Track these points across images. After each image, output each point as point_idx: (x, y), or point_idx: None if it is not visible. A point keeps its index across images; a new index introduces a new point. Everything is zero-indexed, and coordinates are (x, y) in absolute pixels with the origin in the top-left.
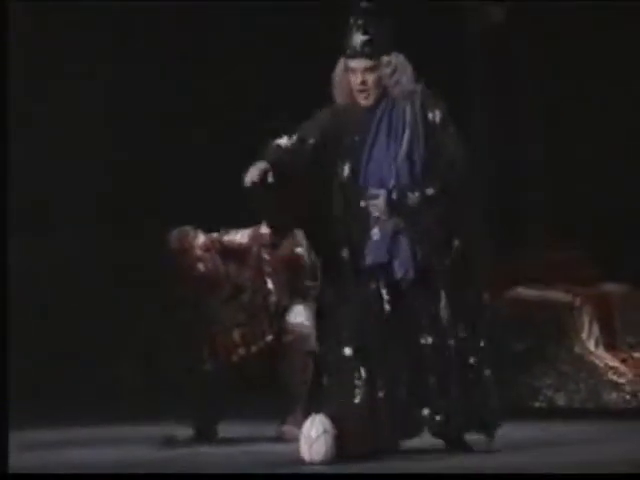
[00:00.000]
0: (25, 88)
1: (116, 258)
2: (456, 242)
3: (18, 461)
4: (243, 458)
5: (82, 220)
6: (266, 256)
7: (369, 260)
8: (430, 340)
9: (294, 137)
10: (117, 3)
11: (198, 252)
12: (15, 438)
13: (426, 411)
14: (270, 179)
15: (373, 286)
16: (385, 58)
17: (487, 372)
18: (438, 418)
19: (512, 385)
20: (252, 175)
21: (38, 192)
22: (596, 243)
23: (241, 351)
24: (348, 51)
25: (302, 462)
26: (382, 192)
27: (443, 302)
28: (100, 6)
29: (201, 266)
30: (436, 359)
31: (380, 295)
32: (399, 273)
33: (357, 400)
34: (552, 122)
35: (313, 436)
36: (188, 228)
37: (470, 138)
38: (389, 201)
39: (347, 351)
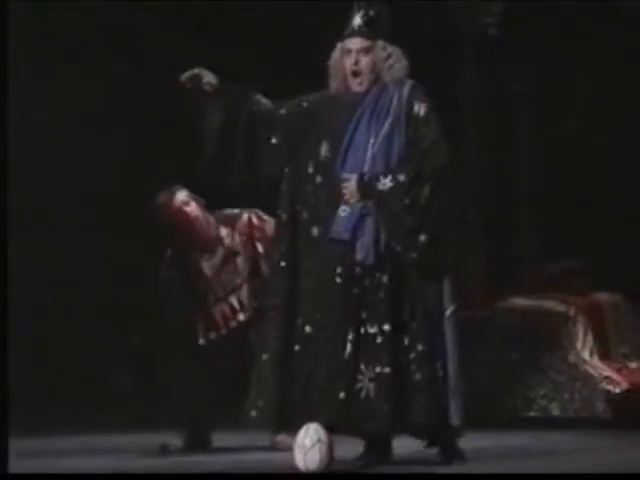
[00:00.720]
0: (25, 88)
1: (116, 259)
2: (422, 237)
3: (15, 468)
4: (237, 466)
5: (82, 220)
6: (255, 221)
7: (333, 234)
8: (374, 330)
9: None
10: (119, 3)
11: (178, 203)
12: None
13: (342, 394)
14: (206, 87)
15: (331, 263)
16: (381, 42)
17: (417, 377)
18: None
19: (506, 394)
20: (188, 75)
21: (38, 192)
22: (589, 254)
23: (240, 317)
24: (346, 32)
25: (296, 470)
26: (354, 176)
27: (397, 296)
28: (101, 6)
29: (196, 220)
30: (377, 349)
31: (335, 274)
32: (359, 255)
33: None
34: (546, 139)
35: (307, 445)
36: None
37: (464, 151)
38: (360, 185)
39: (307, 329)
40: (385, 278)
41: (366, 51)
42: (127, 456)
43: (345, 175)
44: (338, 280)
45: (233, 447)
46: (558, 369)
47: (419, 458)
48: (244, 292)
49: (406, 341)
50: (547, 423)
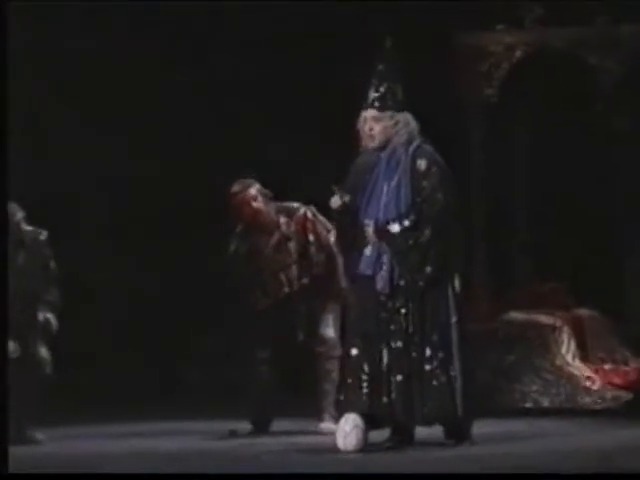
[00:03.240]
0: (25, 88)
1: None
2: (428, 268)
3: (104, 448)
4: (291, 447)
5: (84, 220)
6: (309, 215)
7: (360, 270)
8: (400, 344)
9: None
10: (123, 3)
11: (248, 197)
12: (96, 430)
13: (385, 399)
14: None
15: (364, 294)
16: (389, 112)
17: (442, 379)
18: (398, 409)
19: (506, 390)
20: (333, 202)
21: (38, 192)
22: (573, 277)
23: (286, 289)
24: (364, 104)
25: (338, 451)
26: (371, 222)
27: (411, 316)
28: (101, 6)
29: (260, 212)
30: (401, 362)
31: (367, 303)
32: (379, 285)
33: (365, 391)
34: (538, 173)
35: (347, 430)
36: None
37: (466, 183)
38: (376, 228)
39: (352, 351)
40: (401, 303)
41: (377, 120)
42: (199, 438)
43: (366, 221)
44: (369, 307)
45: (286, 431)
46: (547, 369)
47: (435, 441)
48: (292, 271)
49: (427, 352)
50: (539, 412)
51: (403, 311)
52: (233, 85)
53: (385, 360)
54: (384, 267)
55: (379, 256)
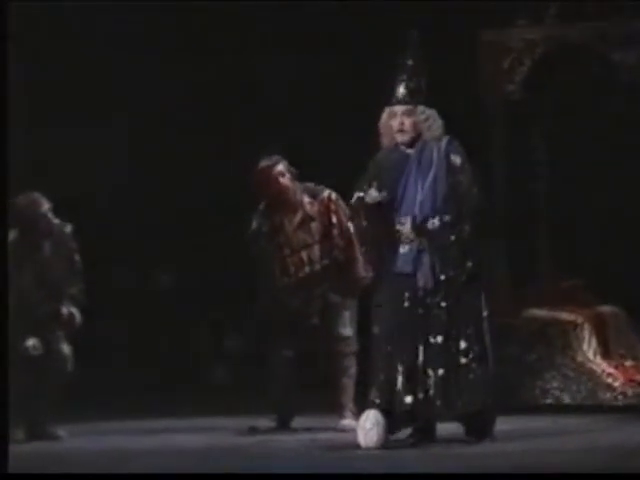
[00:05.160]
0: (25, 88)
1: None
2: (469, 263)
3: (125, 444)
4: (313, 444)
5: (82, 221)
6: (333, 197)
7: (397, 270)
8: (440, 339)
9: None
10: (129, 3)
11: (276, 172)
12: (118, 426)
13: (420, 395)
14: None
15: (399, 291)
16: (421, 107)
17: (478, 372)
18: (438, 403)
19: (527, 387)
20: (373, 196)
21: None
22: (594, 274)
23: (307, 269)
24: (392, 99)
25: (358, 447)
26: (408, 218)
27: (450, 310)
28: (101, 6)
29: (286, 188)
30: (441, 356)
31: (403, 299)
32: (421, 282)
33: (399, 387)
34: (560, 169)
35: (368, 427)
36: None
37: (490, 185)
38: (414, 225)
39: (383, 347)
40: (442, 298)
41: (408, 114)
42: (221, 435)
43: (401, 219)
44: (406, 304)
45: (307, 427)
46: (568, 366)
47: (456, 438)
48: (314, 250)
49: (462, 345)
50: (560, 409)
51: (443, 305)
52: (262, 76)
53: (422, 356)
54: (425, 263)
55: (418, 253)
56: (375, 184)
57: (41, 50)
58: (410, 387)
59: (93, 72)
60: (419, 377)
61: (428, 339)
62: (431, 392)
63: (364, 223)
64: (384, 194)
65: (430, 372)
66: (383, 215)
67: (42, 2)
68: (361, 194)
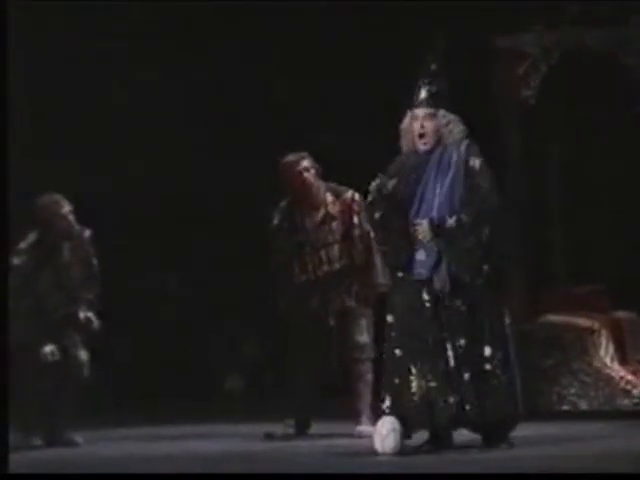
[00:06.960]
0: (25, 88)
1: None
2: (486, 267)
3: (150, 451)
4: (331, 450)
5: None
6: (357, 197)
7: (415, 275)
8: (462, 342)
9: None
10: (123, 3)
11: (301, 168)
12: (133, 432)
13: (452, 399)
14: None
15: (417, 296)
16: (442, 111)
17: (503, 378)
18: (467, 407)
19: (544, 393)
20: (391, 184)
21: (38, 192)
22: (611, 279)
23: (325, 267)
24: (415, 102)
25: (375, 453)
26: (424, 221)
27: (471, 314)
28: (101, 6)
29: (310, 184)
30: (466, 360)
31: (422, 303)
32: (438, 285)
33: (413, 391)
34: (576, 174)
35: (384, 433)
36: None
37: (505, 189)
38: (431, 225)
39: (397, 352)
40: (460, 302)
41: (430, 117)
42: (237, 440)
43: (418, 220)
44: (427, 305)
45: (324, 434)
46: (585, 372)
47: (472, 444)
48: (334, 250)
49: (487, 351)
50: (577, 415)
51: (463, 309)
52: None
53: (452, 361)
54: (442, 267)
55: (435, 256)
56: (394, 180)
57: (41, 50)
58: (437, 391)
59: (94, 72)
60: (444, 382)
61: (454, 343)
62: (456, 397)
63: (380, 216)
64: (401, 186)
65: (458, 377)
66: (401, 210)
67: (42, 2)
68: (378, 182)
